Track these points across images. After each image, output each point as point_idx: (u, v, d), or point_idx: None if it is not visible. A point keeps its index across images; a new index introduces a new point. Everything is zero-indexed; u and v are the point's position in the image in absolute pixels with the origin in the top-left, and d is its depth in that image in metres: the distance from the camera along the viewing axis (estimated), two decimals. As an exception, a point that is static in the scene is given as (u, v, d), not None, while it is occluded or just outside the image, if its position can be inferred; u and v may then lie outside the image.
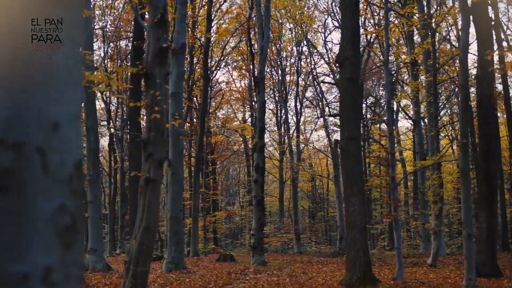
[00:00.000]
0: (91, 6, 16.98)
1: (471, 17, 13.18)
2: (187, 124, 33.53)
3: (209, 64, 36.42)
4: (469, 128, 16.19)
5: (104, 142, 44.71)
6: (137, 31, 26.48)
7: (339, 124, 45.18)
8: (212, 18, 29.52)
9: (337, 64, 14.79)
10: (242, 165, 48.37)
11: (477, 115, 15.50)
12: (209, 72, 36.84)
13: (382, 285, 12.18)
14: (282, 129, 38.25)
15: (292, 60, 38.15)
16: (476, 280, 13.71)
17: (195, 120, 33.82)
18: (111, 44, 32.38)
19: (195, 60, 32.60)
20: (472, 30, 13.91)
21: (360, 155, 12.40)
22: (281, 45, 37.36)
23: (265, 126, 46.39)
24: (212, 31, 36.07)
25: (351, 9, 12.49)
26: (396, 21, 28.64)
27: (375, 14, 31.89)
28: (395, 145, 40.67)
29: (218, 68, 39.27)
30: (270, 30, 23.31)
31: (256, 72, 21.73)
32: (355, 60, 12.45)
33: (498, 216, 15.25)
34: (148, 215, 7.98)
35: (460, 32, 12.81)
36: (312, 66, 37.32)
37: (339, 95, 14.50)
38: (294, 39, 35.84)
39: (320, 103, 36.15)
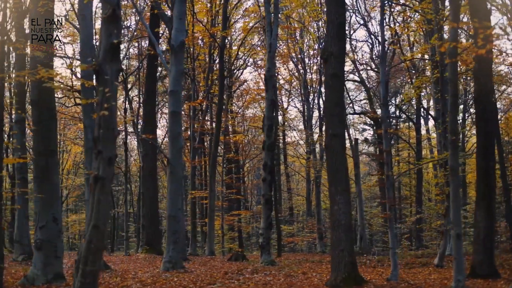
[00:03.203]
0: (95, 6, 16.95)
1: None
2: (207, 123, 33.52)
3: (234, 63, 36.42)
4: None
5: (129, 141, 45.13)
6: (151, 44, 26.67)
7: (363, 122, 45.12)
8: (229, 16, 29.35)
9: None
10: (271, 164, 48.07)
11: (475, 111, 15.06)
12: (234, 71, 36.87)
13: (368, 285, 11.88)
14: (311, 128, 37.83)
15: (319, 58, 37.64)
16: (471, 281, 13.32)
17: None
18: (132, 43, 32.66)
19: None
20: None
21: (345, 153, 12.08)
22: (304, 43, 37.02)
23: (292, 125, 46.48)
24: (236, 29, 36.09)
25: (336, 4, 12.20)
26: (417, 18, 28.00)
27: (397, 11, 31.17)
28: (423, 142, 40.13)
29: (244, 67, 39.22)
30: (278, 27, 23.01)
31: (265, 70, 21.53)
32: (340, 56, 12.14)
33: (496, 215, 14.75)
34: (97, 213, 7.88)
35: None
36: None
37: (325, 91, 14.33)
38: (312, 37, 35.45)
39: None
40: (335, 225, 11.77)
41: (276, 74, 39.38)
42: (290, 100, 44.17)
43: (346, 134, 37.20)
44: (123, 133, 31.85)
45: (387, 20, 33.13)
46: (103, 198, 7.89)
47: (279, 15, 32.49)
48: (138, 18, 32.12)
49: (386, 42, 35.37)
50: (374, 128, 40.27)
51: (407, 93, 24.42)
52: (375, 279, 13.98)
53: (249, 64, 39.33)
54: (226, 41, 34.78)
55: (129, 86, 36.45)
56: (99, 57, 8.14)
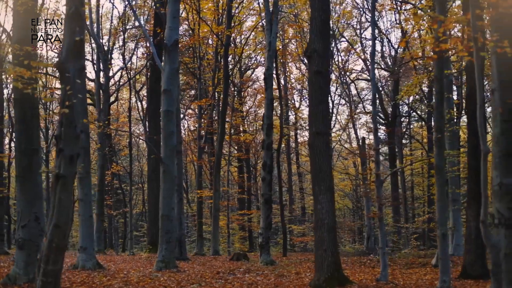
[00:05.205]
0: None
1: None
2: (214, 122, 33.44)
3: (244, 62, 36.30)
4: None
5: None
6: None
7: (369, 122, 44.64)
8: (233, 14, 29.22)
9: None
10: (285, 164, 47.86)
11: (466, 109, 14.80)
12: (243, 70, 36.76)
13: (352, 286, 11.69)
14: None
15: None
16: (461, 282, 13.11)
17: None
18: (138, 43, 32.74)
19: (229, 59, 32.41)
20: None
21: (328, 151, 11.89)
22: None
23: (305, 124, 46.17)
24: (245, 27, 35.95)
25: (320, 0, 12.03)
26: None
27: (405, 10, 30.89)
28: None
29: (255, 66, 39.09)
30: (278, 25, 22.83)
31: (264, 69, 21.36)
32: (323, 53, 11.97)
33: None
34: (58, 213, 7.83)
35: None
36: (342, 64, 36.27)
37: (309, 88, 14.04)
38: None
39: (349, 101, 35.36)
40: (318, 224, 11.61)
41: (288, 73, 39.39)
42: (302, 99, 43.95)
43: (353, 134, 36.97)
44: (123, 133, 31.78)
45: (396, 19, 32.92)
46: (64, 197, 7.83)
47: (288, 13, 32.43)
48: (147, 16, 32.26)
49: (394, 41, 35.35)
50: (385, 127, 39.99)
51: (405, 90, 23.99)
52: (365, 279, 13.81)
53: (260, 63, 39.21)
54: (237, 40, 34.76)
55: (139, 85, 36.60)
56: (62, 54, 8.10)
